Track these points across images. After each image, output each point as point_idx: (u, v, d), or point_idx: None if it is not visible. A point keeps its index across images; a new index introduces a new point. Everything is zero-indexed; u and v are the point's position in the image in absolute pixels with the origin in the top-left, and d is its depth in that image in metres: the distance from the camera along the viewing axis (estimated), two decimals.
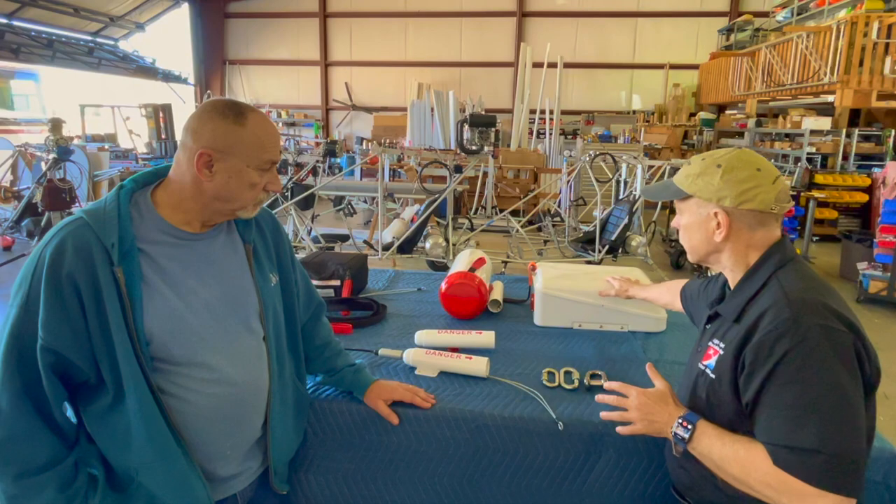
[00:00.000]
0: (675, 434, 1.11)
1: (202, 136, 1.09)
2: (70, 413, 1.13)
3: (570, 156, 7.14)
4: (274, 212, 5.82)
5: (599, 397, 1.27)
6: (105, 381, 1.07)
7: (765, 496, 1.00)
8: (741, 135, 10.46)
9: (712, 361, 1.13)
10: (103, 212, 1.08)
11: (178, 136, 1.26)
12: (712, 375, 1.12)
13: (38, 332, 1.01)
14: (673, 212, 8.29)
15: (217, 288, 1.17)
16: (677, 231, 1.23)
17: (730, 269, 1.17)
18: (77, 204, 5.51)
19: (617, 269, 2.09)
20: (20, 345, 1.02)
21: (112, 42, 12.71)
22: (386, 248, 5.15)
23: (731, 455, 1.04)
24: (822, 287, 1.06)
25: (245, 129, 1.10)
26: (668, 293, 1.72)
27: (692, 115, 12.18)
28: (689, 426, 1.10)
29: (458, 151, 5.97)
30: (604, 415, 1.25)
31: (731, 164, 1.10)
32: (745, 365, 1.04)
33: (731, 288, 1.17)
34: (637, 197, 5.54)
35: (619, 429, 1.22)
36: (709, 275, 1.58)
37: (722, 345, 1.12)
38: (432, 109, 11.04)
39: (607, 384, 1.28)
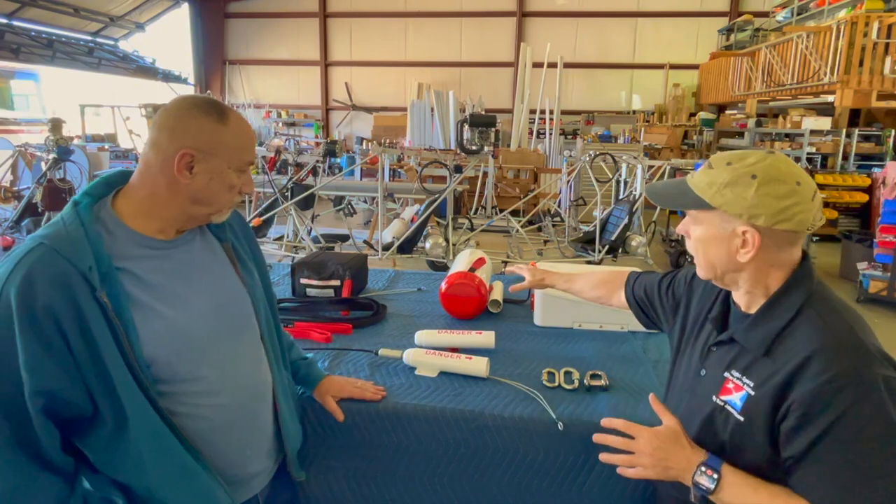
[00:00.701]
0: (698, 484, 0.98)
1: (184, 136, 1.03)
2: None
3: (570, 156, 7.14)
4: (274, 212, 5.73)
5: (599, 437, 1.11)
6: (101, 411, 0.98)
7: None
8: (741, 135, 10.46)
9: (736, 400, 1.00)
10: (67, 234, 0.97)
11: None
12: (740, 417, 0.99)
13: (22, 377, 0.91)
14: (674, 212, 8.28)
15: (206, 293, 1.12)
16: (681, 236, 1.09)
17: (746, 290, 1.03)
18: None
19: (614, 269, 2.06)
20: None
21: (112, 42, 12.70)
22: (386, 248, 5.15)
23: None
24: (860, 322, 0.96)
25: (228, 128, 1.06)
26: (603, 286, 1.52)
27: (692, 115, 12.18)
28: (715, 475, 0.97)
29: (458, 151, 5.97)
30: (604, 458, 1.09)
31: (769, 176, 0.94)
32: (788, 414, 0.92)
33: (744, 310, 1.05)
34: (637, 197, 5.54)
35: (623, 471, 1.07)
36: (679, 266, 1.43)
37: (750, 382, 0.98)
38: (432, 109, 11.03)
39: (606, 421, 1.10)
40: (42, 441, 0.95)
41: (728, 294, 1.10)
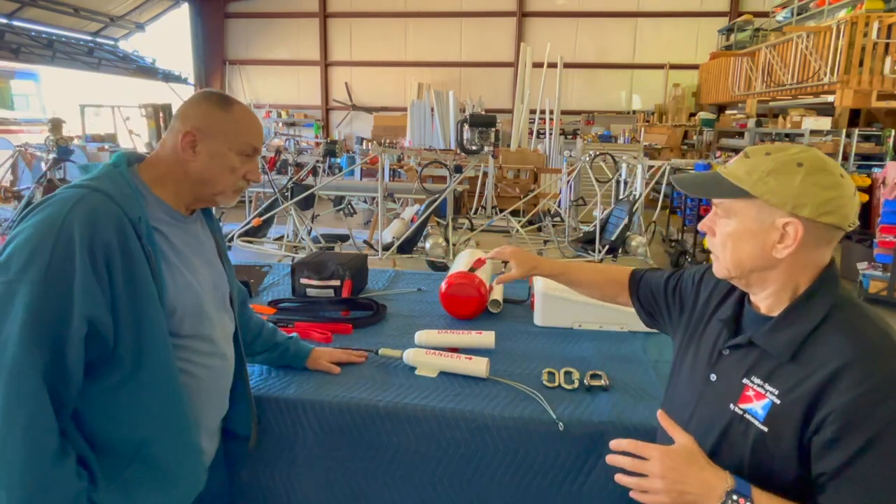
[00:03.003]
0: None
1: (189, 118, 1.15)
2: None
3: (570, 156, 7.13)
4: (274, 212, 5.75)
5: (611, 459, 0.97)
6: (121, 354, 1.05)
7: None
8: (741, 135, 10.45)
9: (757, 409, 0.92)
10: (117, 186, 1.07)
11: None
12: (763, 427, 0.90)
13: (74, 301, 0.97)
14: (674, 212, 8.19)
15: (207, 269, 1.25)
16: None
17: (773, 291, 0.95)
18: None
19: (612, 265, 2.01)
20: (42, 324, 0.95)
21: (112, 42, 12.69)
22: (386, 248, 5.15)
23: None
24: (891, 328, 0.90)
25: (229, 113, 1.17)
26: (608, 286, 1.38)
27: (692, 115, 12.17)
28: (746, 503, 0.85)
29: (458, 151, 5.97)
30: (620, 479, 0.96)
31: (816, 166, 0.88)
32: (822, 426, 0.84)
33: (765, 312, 0.97)
34: (637, 197, 5.54)
35: (637, 496, 0.94)
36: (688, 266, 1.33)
37: (773, 390, 0.91)
38: (432, 109, 11.04)
39: (615, 443, 0.97)
40: (71, 381, 1.00)
41: (743, 294, 1.03)
